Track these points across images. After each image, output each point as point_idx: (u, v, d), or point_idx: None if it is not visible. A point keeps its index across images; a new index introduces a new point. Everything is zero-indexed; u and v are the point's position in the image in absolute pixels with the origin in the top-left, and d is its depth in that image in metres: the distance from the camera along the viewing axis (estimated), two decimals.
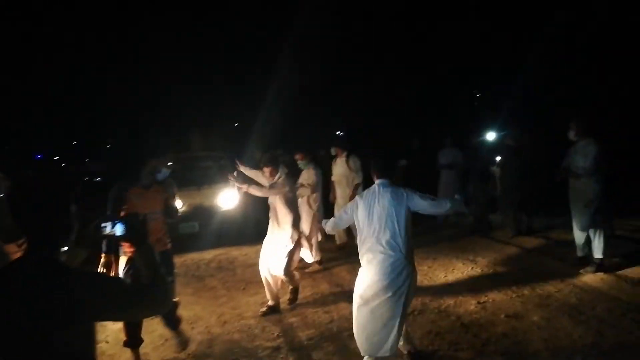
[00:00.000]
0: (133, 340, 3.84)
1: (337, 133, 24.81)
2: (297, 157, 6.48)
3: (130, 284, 1.77)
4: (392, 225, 3.30)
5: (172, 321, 4.02)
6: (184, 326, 4.58)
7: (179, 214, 4.46)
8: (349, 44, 17.45)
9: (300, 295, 5.25)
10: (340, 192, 7.26)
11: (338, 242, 7.48)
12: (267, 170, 4.93)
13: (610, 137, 6.85)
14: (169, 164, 3.74)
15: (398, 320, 3.22)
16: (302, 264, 6.22)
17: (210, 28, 15.19)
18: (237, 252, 7.57)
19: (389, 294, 3.21)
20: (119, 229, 1.65)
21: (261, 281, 5.87)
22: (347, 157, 7.17)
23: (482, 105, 22.15)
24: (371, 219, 3.35)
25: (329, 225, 3.88)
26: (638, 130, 11.53)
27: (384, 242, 3.29)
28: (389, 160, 3.87)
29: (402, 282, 3.25)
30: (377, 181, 3.52)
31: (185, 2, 15.43)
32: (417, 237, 7.60)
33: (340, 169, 7.26)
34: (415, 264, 6.19)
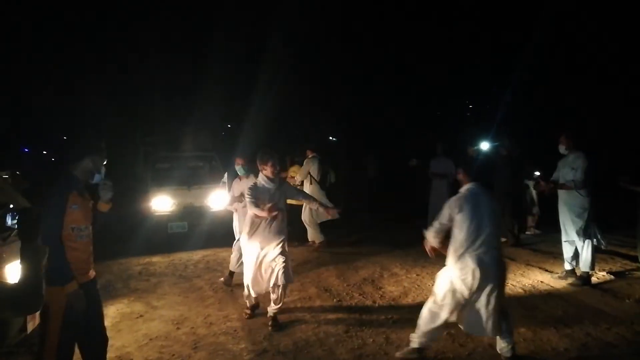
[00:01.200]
0: None
1: (330, 138, 24.88)
2: (238, 161, 5.77)
3: None
4: (496, 223, 3.65)
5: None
6: (170, 326, 4.55)
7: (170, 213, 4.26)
8: (345, 48, 17.49)
9: (288, 299, 5.20)
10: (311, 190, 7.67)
11: (317, 241, 7.70)
12: (268, 166, 4.48)
13: (598, 150, 6.97)
14: (104, 163, 2.96)
15: (501, 304, 3.58)
16: None
17: (202, 28, 15.16)
18: (225, 254, 7.49)
19: (499, 283, 3.56)
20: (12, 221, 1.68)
21: None
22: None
23: (474, 116, 22.38)
24: (481, 219, 3.55)
25: (434, 232, 3.78)
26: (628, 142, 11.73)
27: (495, 240, 3.60)
28: (482, 165, 4.11)
29: (504, 273, 3.68)
30: (471, 184, 3.69)
31: (179, 2, 15.36)
32: (407, 245, 7.74)
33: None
34: (404, 272, 6.27)
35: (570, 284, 5.44)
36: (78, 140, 2.90)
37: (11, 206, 1.79)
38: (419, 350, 3.74)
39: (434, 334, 3.73)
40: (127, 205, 9.64)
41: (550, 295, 5.15)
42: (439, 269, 6.25)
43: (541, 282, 5.64)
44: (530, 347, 3.90)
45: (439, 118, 19.03)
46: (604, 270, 5.93)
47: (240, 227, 5.40)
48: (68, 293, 2.60)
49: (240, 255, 5.34)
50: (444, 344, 4.03)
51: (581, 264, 5.44)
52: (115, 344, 4.16)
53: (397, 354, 3.83)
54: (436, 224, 3.73)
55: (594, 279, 5.56)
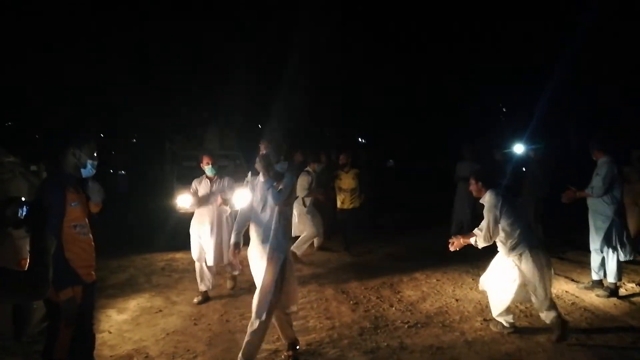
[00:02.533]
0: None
1: (360, 140, 24.78)
2: (206, 161, 5.53)
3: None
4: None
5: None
6: (187, 322, 4.63)
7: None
8: (373, 46, 17.33)
9: (304, 300, 5.24)
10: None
11: (316, 244, 7.67)
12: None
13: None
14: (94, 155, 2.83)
15: None
16: None
17: (228, 29, 15.26)
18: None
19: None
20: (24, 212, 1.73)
21: None
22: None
23: (508, 119, 21.86)
24: (520, 217, 4.18)
25: (483, 240, 4.19)
26: None
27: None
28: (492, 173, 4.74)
29: None
30: (495, 190, 4.21)
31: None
32: (428, 251, 7.64)
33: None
34: (424, 276, 6.18)
35: (597, 295, 5.25)
36: (55, 133, 2.93)
37: (23, 199, 1.83)
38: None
39: (508, 312, 4.32)
40: (154, 201, 9.88)
41: (574, 306, 4.98)
42: (459, 275, 6.22)
43: (566, 292, 5.46)
44: (548, 357, 3.79)
45: (471, 119, 18.61)
46: (633, 282, 5.70)
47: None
48: (62, 300, 2.62)
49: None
50: (460, 351, 3.95)
51: (607, 275, 5.24)
52: (133, 337, 4.27)
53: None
54: (484, 232, 4.15)
55: (622, 291, 5.34)
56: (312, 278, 6.18)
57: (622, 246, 5.16)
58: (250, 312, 4.86)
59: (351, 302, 5.26)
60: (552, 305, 4.10)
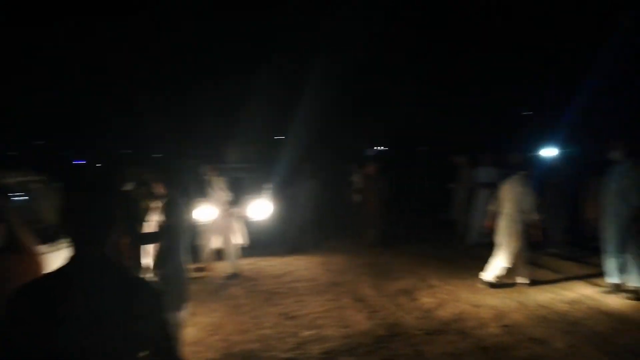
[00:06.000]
0: None
1: (377, 148, 24.76)
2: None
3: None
4: None
5: None
6: (204, 333, 4.72)
7: None
8: (390, 54, 17.33)
9: (321, 309, 5.28)
10: None
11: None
12: None
13: None
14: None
15: None
16: None
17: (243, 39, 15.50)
18: (264, 263, 7.68)
19: None
20: None
21: (284, 292, 6.00)
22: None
23: (534, 124, 21.52)
24: None
25: None
26: None
27: None
28: None
29: None
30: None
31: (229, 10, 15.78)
32: (445, 257, 7.62)
33: None
34: (442, 283, 6.16)
35: (617, 299, 5.15)
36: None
37: None
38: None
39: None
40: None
41: (594, 310, 4.90)
42: (475, 280, 6.16)
43: (586, 296, 5.39)
44: None
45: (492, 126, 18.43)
46: None
47: None
48: None
49: None
50: (476, 357, 3.94)
51: (631, 278, 5.14)
52: None
53: None
54: None
55: None
56: (329, 286, 6.22)
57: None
58: (267, 321, 4.95)
59: (367, 310, 5.27)
60: None
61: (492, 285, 5.87)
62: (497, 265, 5.87)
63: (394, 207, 10.44)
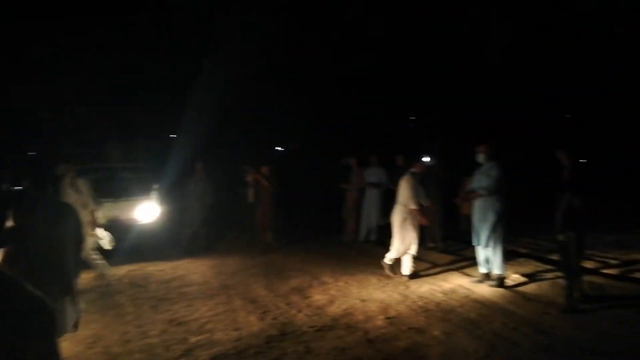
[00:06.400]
0: None
1: (277, 149, 24.85)
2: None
3: None
4: None
5: None
6: (81, 346, 4.34)
7: None
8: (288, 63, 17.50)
9: (211, 313, 5.15)
10: None
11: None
12: None
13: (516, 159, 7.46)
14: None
15: None
16: None
17: (136, 34, 14.67)
18: (152, 268, 7.30)
19: None
20: None
21: (173, 298, 5.75)
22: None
23: (417, 129, 23.14)
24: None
25: None
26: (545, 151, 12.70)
27: None
28: None
29: None
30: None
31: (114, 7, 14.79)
32: (337, 255, 7.88)
33: None
34: (333, 280, 6.33)
35: (486, 287, 5.72)
36: None
37: None
38: None
39: None
40: None
41: (467, 299, 5.38)
42: (365, 276, 6.46)
43: (460, 285, 5.90)
44: (442, 350, 4.05)
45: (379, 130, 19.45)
46: (517, 272, 6.29)
47: None
48: None
49: None
50: (362, 350, 4.10)
51: (494, 267, 5.74)
52: None
53: None
54: None
55: (507, 282, 5.87)
56: (220, 289, 6.08)
57: (501, 239, 5.70)
58: (154, 329, 4.70)
59: (260, 311, 5.25)
60: None
61: (411, 276, 6.35)
62: (390, 255, 6.39)
63: (289, 207, 10.55)
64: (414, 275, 6.35)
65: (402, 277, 6.37)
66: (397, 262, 6.47)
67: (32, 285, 1.43)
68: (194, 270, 7.20)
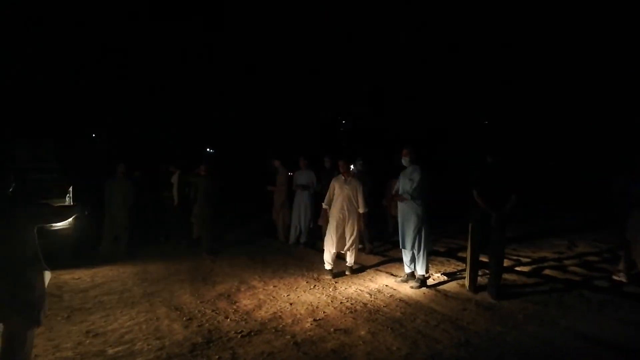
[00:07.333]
0: None
1: (208, 150, 24.26)
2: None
3: None
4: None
5: None
6: None
7: None
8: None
9: (132, 322, 4.89)
10: None
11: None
12: None
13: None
14: None
15: None
16: None
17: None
18: (68, 276, 6.83)
19: None
20: None
21: (90, 307, 5.41)
22: None
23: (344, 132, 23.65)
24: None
25: None
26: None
27: None
28: None
29: None
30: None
31: None
32: (266, 258, 7.81)
33: None
34: (262, 284, 6.28)
35: (411, 287, 5.92)
36: None
37: None
38: None
39: None
40: None
41: (392, 298, 5.54)
42: (295, 279, 6.46)
43: (386, 285, 6.06)
44: (367, 349, 4.12)
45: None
46: (439, 272, 6.58)
47: None
48: None
49: None
50: (289, 353, 4.08)
51: (417, 268, 5.96)
52: None
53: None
54: None
55: (430, 281, 6.12)
56: (142, 297, 5.81)
57: (428, 242, 5.94)
58: (68, 341, 4.38)
59: (184, 318, 5.07)
60: None
61: (353, 271, 6.74)
62: (326, 256, 6.61)
63: (220, 209, 10.31)
64: (339, 274, 6.52)
65: (346, 272, 6.76)
66: (337, 264, 6.67)
67: None
68: (114, 277, 6.82)
